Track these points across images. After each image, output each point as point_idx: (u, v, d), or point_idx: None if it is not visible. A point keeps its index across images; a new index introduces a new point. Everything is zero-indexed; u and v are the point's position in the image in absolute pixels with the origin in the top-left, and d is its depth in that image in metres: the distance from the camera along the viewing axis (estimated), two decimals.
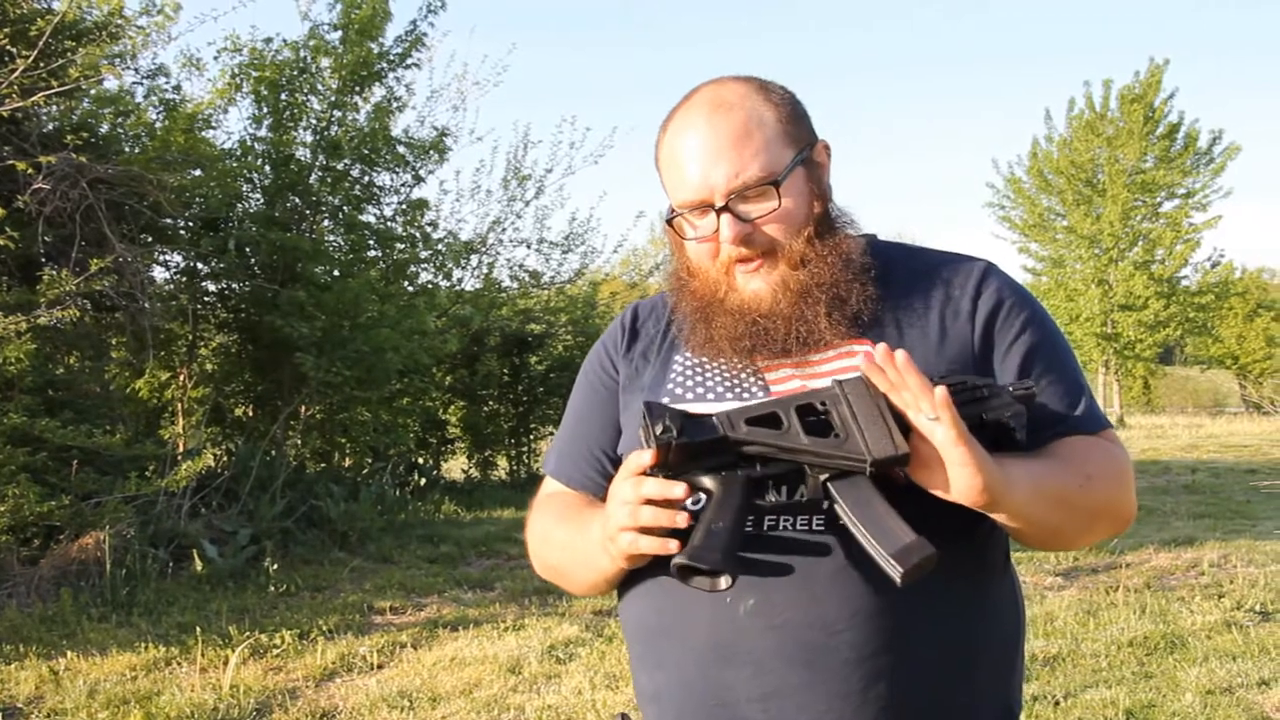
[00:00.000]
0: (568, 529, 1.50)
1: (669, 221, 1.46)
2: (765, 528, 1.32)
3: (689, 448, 1.23)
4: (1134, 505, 1.43)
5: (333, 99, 9.55)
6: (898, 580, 1.19)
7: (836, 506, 1.24)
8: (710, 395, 1.44)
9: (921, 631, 1.30)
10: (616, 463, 1.53)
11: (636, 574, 1.43)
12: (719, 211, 1.39)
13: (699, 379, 1.47)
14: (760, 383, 1.43)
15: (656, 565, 1.38)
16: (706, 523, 1.22)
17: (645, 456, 1.25)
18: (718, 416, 1.24)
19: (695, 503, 1.25)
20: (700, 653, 1.35)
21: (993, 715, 1.41)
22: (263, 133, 9.52)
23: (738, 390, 1.43)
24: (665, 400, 1.45)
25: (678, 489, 1.24)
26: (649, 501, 1.25)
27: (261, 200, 9.64)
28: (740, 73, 1.49)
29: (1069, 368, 1.44)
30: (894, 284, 1.44)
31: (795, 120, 1.44)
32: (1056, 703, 4.37)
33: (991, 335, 1.42)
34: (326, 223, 10.13)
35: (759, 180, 1.38)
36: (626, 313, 1.64)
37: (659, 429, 1.22)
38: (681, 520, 1.23)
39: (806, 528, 1.32)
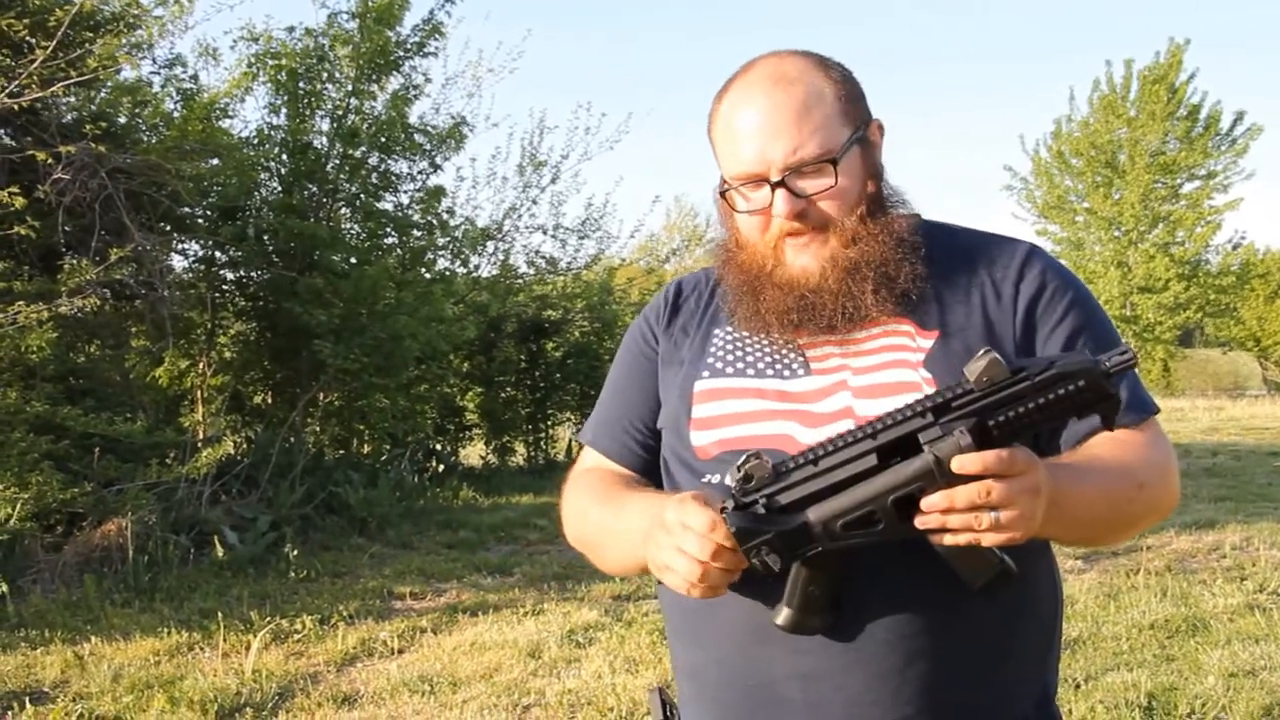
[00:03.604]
0: (605, 511, 1.49)
1: (721, 194, 1.45)
2: None
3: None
4: (1177, 496, 1.43)
5: (350, 87, 9.56)
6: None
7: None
8: (750, 371, 1.44)
9: (960, 612, 1.29)
10: (655, 435, 1.54)
11: None
12: (774, 186, 1.38)
13: (739, 353, 1.47)
14: (801, 359, 1.43)
15: None
16: (803, 586, 1.25)
17: (719, 536, 1.23)
18: (814, 523, 1.20)
19: None
20: (739, 632, 1.35)
21: (1030, 695, 1.40)
22: (280, 121, 9.55)
23: (778, 367, 1.43)
24: (705, 375, 1.46)
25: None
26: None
27: (279, 188, 9.67)
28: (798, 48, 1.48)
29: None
30: (936, 263, 1.44)
31: (852, 99, 1.43)
32: (1077, 685, 4.36)
33: (1034, 319, 1.41)
34: (344, 210, 10.17)
35: (816, 157, 1.37)
36: (670, 287, 1.63)
37: (756, 562, 1.21)
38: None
39: None
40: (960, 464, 1.14)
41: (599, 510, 1.51)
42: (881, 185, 1.45)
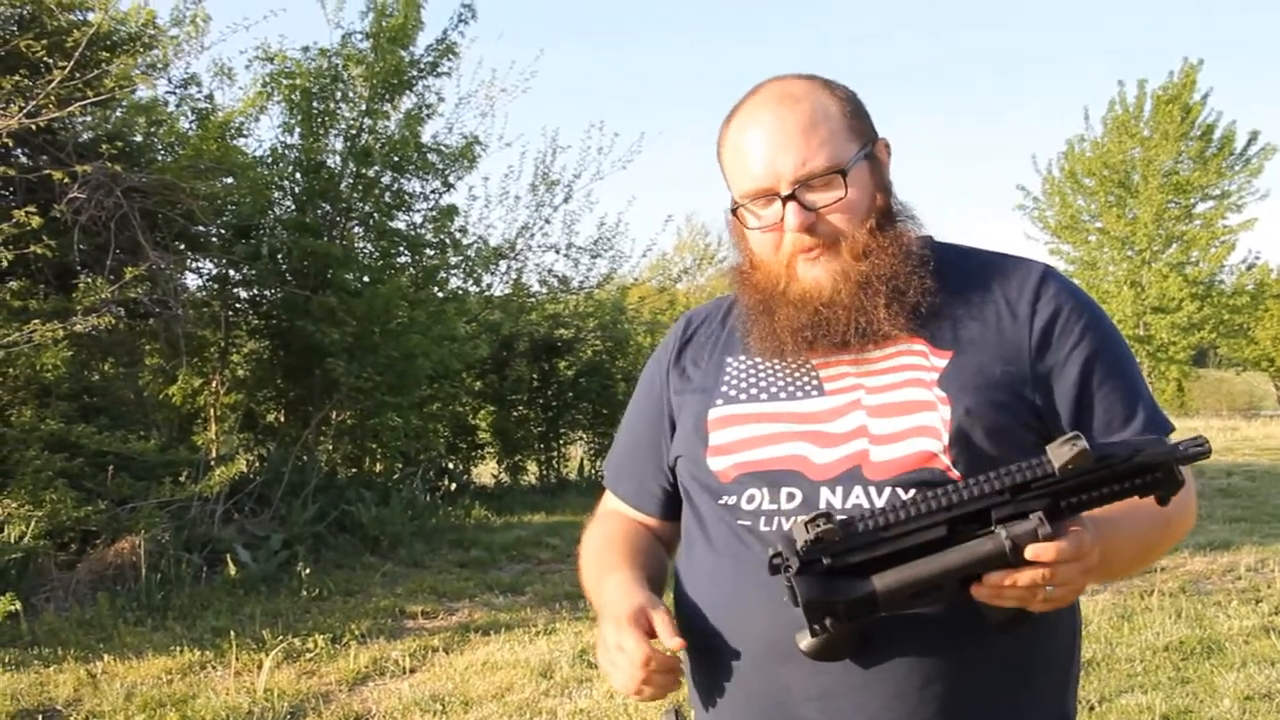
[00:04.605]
0: (596, 570, 1.54)
1: (733, 213, 1.47)
2: None
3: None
4: (1194, 521, 1.46)
5: (364, 107, 9.61)
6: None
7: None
8: (763, 395, 1.46)
9: (979, 635, 1.29)
10: (671, 474, 1.57)
11: (690, 569, 1.46)
12: (785, 200, 1.39)
13: (752, 378, 1.48)
14: (815, 380, 1.44)
15: (710, 560, 1.41)
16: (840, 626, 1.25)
17: (652, 666, 1.30)
18: (881, 591, 1.19)
19: None
20: (757, 650, 1.35)
21: None
22: (294, 140, 9.60)
23: (791, 389, 1.44)
24: (719, 402, 1.47)
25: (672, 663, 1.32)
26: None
27: (293, 207, 9.71)
28: (801, 71, 1.50)
29: (1129, 375, 1.43)
30: (950, 282, 1.44)
31: (858, 116, 1.45)
32: (1092, 708, 4.33)
33: (1050, 340, 1.40)
34: (357, 229, 10.20)
35: (825, 169, 1.39)
36: (679, 323, 1.66)
37: (815, 626, 1.21)
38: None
39: None
40: (1035, 553, 1.15)
41: (592, 567, 1.57)
42: (890, 200, 1.46)
